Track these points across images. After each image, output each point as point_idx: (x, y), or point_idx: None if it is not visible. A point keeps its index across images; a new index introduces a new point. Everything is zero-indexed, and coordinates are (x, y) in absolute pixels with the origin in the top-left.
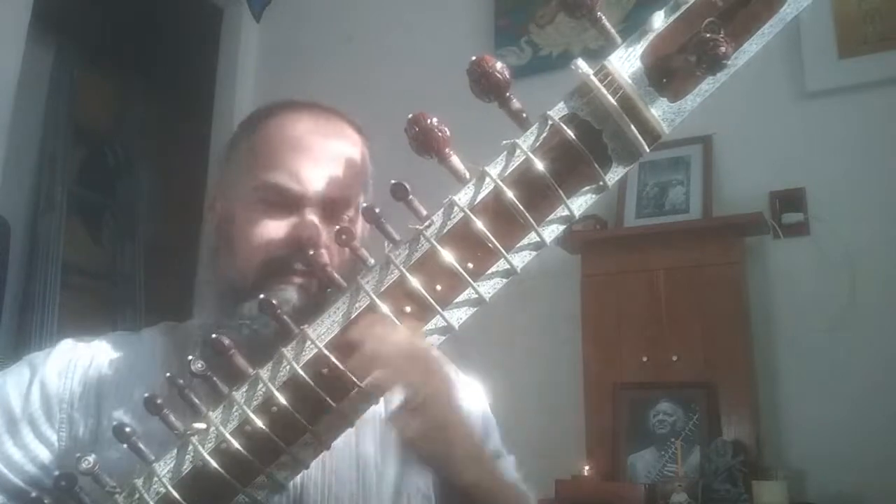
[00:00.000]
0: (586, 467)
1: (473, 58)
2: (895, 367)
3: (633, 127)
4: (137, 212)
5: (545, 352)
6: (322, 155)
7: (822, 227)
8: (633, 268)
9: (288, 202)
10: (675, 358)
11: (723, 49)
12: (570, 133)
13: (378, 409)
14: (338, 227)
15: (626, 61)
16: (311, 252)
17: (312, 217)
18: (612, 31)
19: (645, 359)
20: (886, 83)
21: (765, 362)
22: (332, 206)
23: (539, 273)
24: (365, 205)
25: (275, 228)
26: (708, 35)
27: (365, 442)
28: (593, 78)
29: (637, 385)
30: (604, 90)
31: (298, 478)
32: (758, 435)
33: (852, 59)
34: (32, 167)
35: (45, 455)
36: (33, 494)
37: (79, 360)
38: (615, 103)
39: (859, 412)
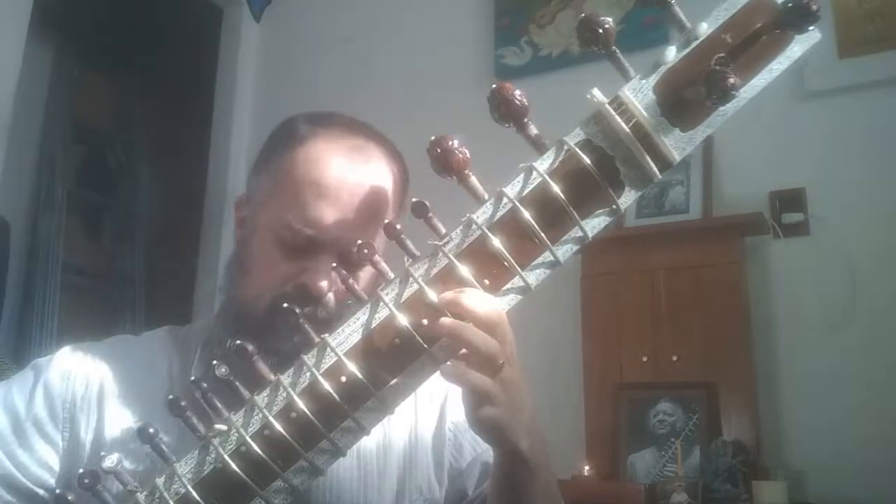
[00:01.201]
0: (586, 467)
1: (494, 85)
2: (895, 367)
3: (645, 154)
4: (137, 212)
5: (545, 352)
6: (344, 200)
7: (822, 227)
8: (633, 268)
9: (303, 246)
10: (675, 358)
11: (731, 80)
12: (585, 158)
13: None
14: (359, 242)
15: (639, 92)
16: (286, 305)
17: (325, 262)
18: (626, 63)
19: (645, 359)
20: (886, 83)
21: (765, 362)
22: (348, 250)
23: (546, 277)
24: (387, 222)
25: (287, 269)
26: (718, 67)
27: (367, 442)
28: (608, 107)
29: (637, 385)
30: (618, 119)
31: None
32: (758, 435)
33: (852, 59)
34: (32, 167)
35: (50, 455)
36: (57, 492)
37: (81, 363)
38: (628, 131)
39: (859, 412)
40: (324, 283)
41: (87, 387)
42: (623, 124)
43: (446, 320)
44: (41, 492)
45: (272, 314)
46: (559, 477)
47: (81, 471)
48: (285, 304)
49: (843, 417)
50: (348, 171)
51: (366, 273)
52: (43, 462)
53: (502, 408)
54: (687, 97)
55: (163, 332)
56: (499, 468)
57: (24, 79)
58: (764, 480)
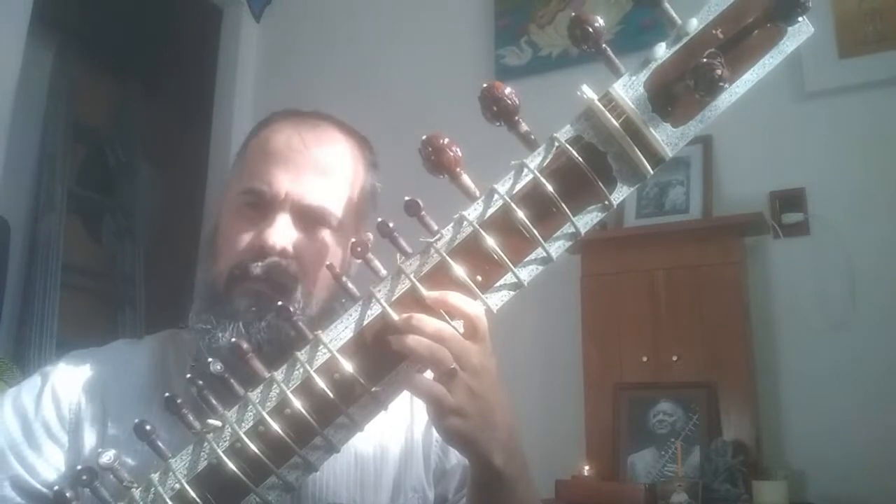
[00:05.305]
0: (586, 467)
1: (484, 84)
2: (895, 367)
3: (636, 150)
4: (137, 212)
5: (545, 352)
6: (299, 162)
7: (822, 227)
8: (633, 268)
9: (261, 206)
10: (675, 358)
11: (718, 72)
12: (576, 154)
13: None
14: (353, 240)
15: (629, 88)
16: (280, 303)
17: (284, 222)
18: (616, 60)
19: (645, 359)
20: (886, 83)
21: (765, 362)
22: (305, 211)
23: (539, 273)
24: (380, 220)
25: (246, 233)
26: (705, 60)
27: (364, 441)
28: (598, 103)
29: (637, 385)
30: (608, 114)
31: None
32: (758, 435)
33: (852, 59)
34: (32, 167)
35: (57, 456)
36: (56, 488)
37: (86, 368)
38: (619, 127)
39: (859, 412)
40: (275, 239)
41: (91, 389)
42: (613, 120)
43: (392, 338)
44: (48, 492)
45: (230, 283)
46: (559, 477)
47: (79, 468)
48: (280, 303)
49: (844, 417)
50: (306, 137)
51: (330, 237)
52: (50, 462)
53: (470, 421)
54: (677, 92)
55: (164, 335)
56: (473, 480)
57: (24, 79)
58: (764, 480)
